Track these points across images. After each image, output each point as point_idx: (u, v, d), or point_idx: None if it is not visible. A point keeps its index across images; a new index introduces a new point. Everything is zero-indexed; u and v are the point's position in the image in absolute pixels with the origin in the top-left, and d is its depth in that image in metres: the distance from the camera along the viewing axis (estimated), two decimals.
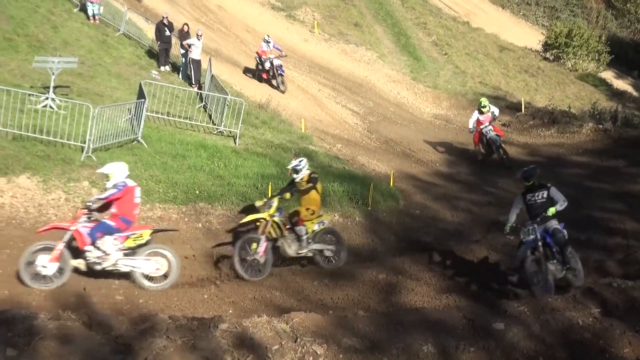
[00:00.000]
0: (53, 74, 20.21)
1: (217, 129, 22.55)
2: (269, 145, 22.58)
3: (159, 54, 27.81)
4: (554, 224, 14.13)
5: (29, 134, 18.02)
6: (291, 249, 15.55)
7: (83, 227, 13.59)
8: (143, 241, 13.99)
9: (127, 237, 13.85)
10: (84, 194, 16.87)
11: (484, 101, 25.83)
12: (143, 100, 20.23)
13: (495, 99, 35.56)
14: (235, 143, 21.88)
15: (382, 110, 31.54)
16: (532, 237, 13.91)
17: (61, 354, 8.99)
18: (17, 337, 9.16)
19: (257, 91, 27.62)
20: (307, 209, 15.79)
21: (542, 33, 47.48)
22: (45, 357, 8.85)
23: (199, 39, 26.44)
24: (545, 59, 44.84)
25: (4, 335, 9.11)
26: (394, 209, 20.15)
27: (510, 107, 34.47)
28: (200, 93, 24.67)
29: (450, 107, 34.93)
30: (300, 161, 15.91)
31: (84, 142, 18.21)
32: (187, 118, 22.60)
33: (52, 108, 19.77)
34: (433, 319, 12.21)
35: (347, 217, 19.11)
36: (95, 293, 13.12)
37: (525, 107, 33.47)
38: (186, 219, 17.26)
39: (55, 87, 20.40)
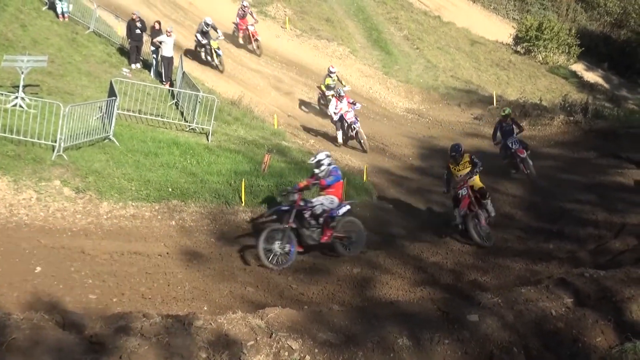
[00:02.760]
0: (22, 72, 20.03)
1: (189, 126, 22.47)
2: (242, 142, 22.52)
3: (129, 52, 27.66)
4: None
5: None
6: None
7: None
8: None
9: None
10: (55, 193, 16.75)
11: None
12: (114, 98, 20.10)
13: (467, 93, 35.78)
14: (208, 140, 21.82)
15: None
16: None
17: (34, 354, 8.94)
18: None
19: (229, 88, 27.56)
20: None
21: (512, 26, 47.58)
22: (18, 358, 8.78)
23: (169, 36, 26.32)
24: (517, 52, 44.99)
25: None
26: (368, 203, 20.19)
27: (482, 100, 34.62)
28: (172, 90, 24.57)
29: (423, 101, 35.00)
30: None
31: (55, 141, 18.05)
32: (159, 115, 22.48)
33: (22, 107, 19.59)
34: (408, 312, 12.27)
35: None
36: (68, 293, 13.03)
37: (497, 101, 33.63)
38: (159, 217, 17.18)
39: (24, 86, 20.21)
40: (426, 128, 30.43)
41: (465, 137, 28.63)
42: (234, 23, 33.50)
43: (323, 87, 29.09)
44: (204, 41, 29.39)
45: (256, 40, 33.08)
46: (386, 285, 15.04)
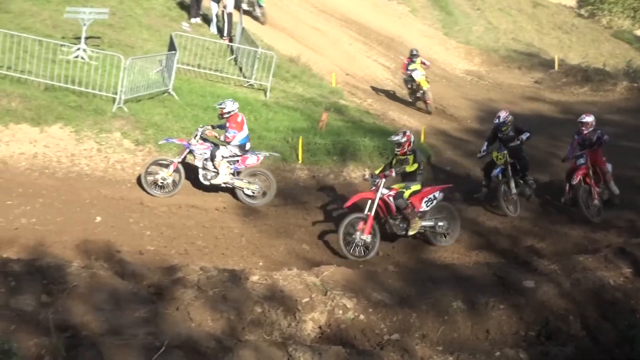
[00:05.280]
0: (84, 24, 20.13)
1: (247, 82, 22.46)
2: (299, 99, 22.47)
3: (190, 6, 27.64)
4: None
5: (61, 84, 18.04)
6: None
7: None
8: None
9: None
10: (115, 144, 16.95)
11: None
12: (174, 52, 20.16)
13: (527, 56, 35.23)
14: (266, 96, 21.82)
15: None
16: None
17: (93, 301, 9.09)
18: (52, 285, 9.29)
19: (288, 45, 27.41)
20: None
21: None
22: (78, 305, 8.94)
23: None
24: (580, 15, 44.00)
25: (39, 283, 9.24)
26: (425, 165, 20.06)
27: (543, 64, 34.08)
28: (231, 46, 24.54)
29: (482, 64, 34.55)
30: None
31: (116, 94, 18.19)
32: (217, 70, 22.51)
33: (84, 59, 19.74)
34: (463, 276, 12.28)
35: None
36: (127, 243, 13.21)
37: (558, 65, 33.05)
38: None
39: (86, 38, 20.32)
40: (485, 90, 30.05)
41: (525, 101, 28.28)
42: None
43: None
44: None
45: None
46: (442, 248, 15.01)
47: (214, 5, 26.24)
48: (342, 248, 14.16)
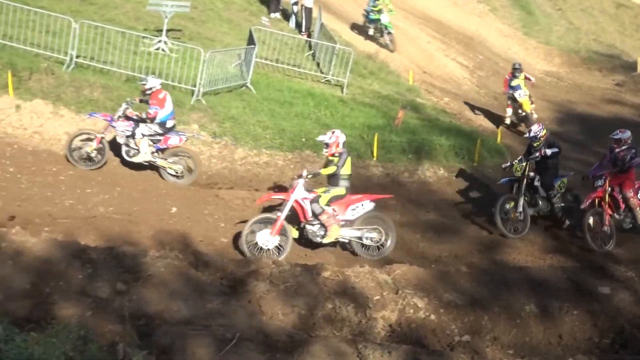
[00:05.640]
0: (166, 17, 20.45)
1: (324, 77, 22.51)
2: (376, 96, 22.43)
3: (270, 1, 27.81)
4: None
5: (142, 75, 18.35)
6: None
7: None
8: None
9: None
10: (192, 136, 17.17)
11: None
12: (253, 46, 20.34)
13: (609, 58, 34.46)
14: (343, 92, 21.82)
15: (492, 65, 30.84)
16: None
17: (167, 291, 9.20)
18: (127, 273, 9.42)
19: (366, 42, 27.38)
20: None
21: None
22: (153, 294, 9.07)
23: None
24: None
25: (114, 271, 9.38)
26: (500, 166, 19.84)
27: (624, 66, 33.26)
28: (309, 41, 24.63)
29: (562, 65, 33.93)
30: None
31: (194, 86, 18.45)
32: (295, 66, 22.61)
33: (164, 51, 20.07)
34: (537, 279, 12.10)
35: (452, 172, 18.93)
36: (201, 234, 13.38)
37: None
38: (292, 166, 17.38)
39: (167, 31, 20.65)
40: (564, 92, 29.50)
41: (605, 104, 27.70)
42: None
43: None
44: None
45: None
46: (515, 250, 14.83)
47: (293, 0, 26.35)
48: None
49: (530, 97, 23.09)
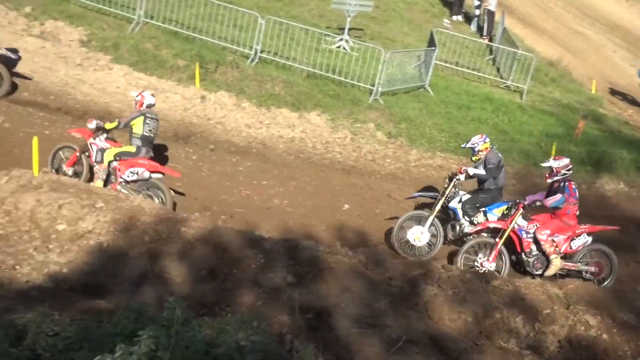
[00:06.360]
0: (349, 16, 20.66)
1: (504, 83, 22.11)
2: (556, 104, 21.86)
3: (452, 3, 27.61)
4: None
5: (322, 72, 18.64)
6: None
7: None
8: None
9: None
10: (368, 135, 17.29)
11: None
12: (433, 48, 20.26)
13: None
14: (522, 99, 21.39)
15: None
16: None
17: (336, 287, 9.29)
18: (298, 266, 9.58)
19: (549, 48, 26.71)
20: None
21: None
22: (322, 288, 9.18)
23: None
24: None
25: (286, 263, 9.56)
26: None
27: None
28: (491, 45, 24.26)
29: None
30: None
31: (373, 85, 18.56)
32: (475, 69, 22.35)
33: (345, 49, 20.29)
34: None
35: (634, 187, 18.15)
36: (372, 233, 13.46)
37: None
38: None
39: (350, 29, 20.87)
40: None
41: None
42: None
43: None
44: None
45: None
46: None
47: (476, 3, 26.05)
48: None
49: None
